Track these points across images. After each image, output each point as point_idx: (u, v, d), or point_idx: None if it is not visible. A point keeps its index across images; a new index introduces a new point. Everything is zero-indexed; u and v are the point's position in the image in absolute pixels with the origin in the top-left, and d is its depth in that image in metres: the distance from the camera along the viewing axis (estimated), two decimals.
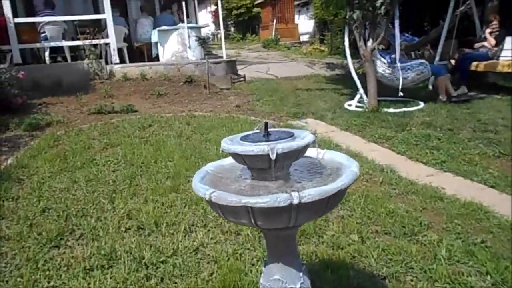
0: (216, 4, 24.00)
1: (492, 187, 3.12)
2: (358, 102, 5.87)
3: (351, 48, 6.16)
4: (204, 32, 10.02)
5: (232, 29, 25.09)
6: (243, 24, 23.21)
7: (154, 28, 8.84)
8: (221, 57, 9.22)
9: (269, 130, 1.41)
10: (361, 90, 5.82)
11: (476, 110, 5.31)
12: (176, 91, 7.00)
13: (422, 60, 5.74)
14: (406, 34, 9.60)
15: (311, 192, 1.20)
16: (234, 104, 6.26)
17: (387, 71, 5.73)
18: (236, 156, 1.38)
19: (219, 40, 25.60)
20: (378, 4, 4.88)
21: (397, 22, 5.24)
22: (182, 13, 8.92)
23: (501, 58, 6.68)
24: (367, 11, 5.10)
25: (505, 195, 2.98)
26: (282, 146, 1.30)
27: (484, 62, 6.51)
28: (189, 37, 8.39)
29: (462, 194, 2.95)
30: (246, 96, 6.94)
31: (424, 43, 8.48)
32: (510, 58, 6.53)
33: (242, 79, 8.30)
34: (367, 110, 5.49)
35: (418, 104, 5.78)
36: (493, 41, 6.73)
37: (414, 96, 6.16)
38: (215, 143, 4.04)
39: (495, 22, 6.75)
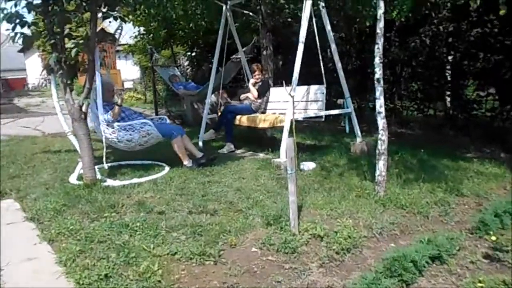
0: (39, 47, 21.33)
1: None
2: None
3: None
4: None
5: None
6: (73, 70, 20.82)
7: None
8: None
9: None
10: None
11: (219, 178, 4.37)
12: None
13: (145, 120, 4.65)
14: (192, 83, 8.95)
15: None
16: None
17: (108, 131, 4.48)
18: None
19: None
20: (69, 46, 3.67)
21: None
22: None
23: (267, 111, 6.16)
24: (64, 54, 3.84)
25: None
26: None
27: (246, 116, 5.85)
28: None
29: None
30: None
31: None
32: (274, 111, 6.03)
33: None
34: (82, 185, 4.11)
35: (162, 170, 4.65)
36: (255, 93, 6.19)
37: (169, 159, 5.07)
38: None
39: (257, 72, 6.24)
